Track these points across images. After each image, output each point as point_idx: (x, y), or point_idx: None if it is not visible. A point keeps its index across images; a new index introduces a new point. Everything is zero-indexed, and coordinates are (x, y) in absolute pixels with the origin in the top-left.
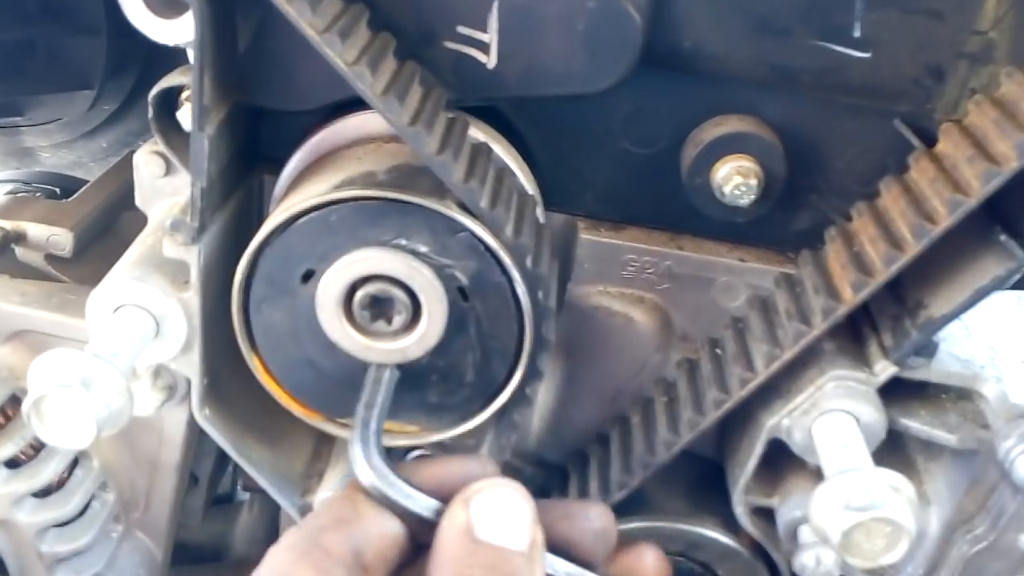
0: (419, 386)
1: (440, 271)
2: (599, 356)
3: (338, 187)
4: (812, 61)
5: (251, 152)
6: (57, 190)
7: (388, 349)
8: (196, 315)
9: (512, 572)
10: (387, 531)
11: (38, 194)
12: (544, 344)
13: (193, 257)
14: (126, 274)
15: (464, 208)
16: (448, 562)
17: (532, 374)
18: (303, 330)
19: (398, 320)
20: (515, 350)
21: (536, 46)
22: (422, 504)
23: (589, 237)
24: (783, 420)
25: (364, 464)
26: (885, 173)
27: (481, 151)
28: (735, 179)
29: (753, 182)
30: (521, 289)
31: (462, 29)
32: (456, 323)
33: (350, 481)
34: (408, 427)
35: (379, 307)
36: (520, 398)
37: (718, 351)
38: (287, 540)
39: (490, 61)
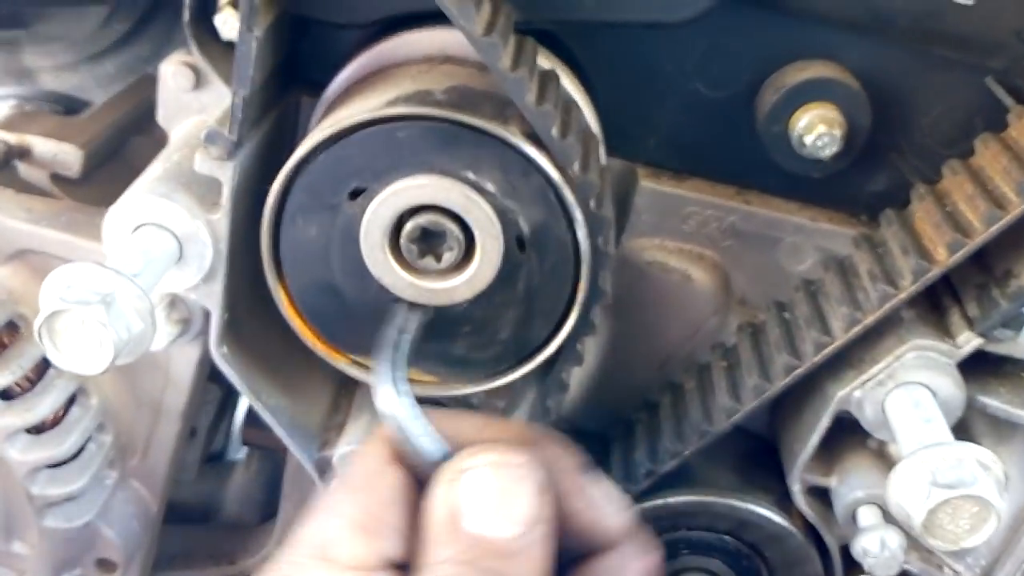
0: (453, 332)
1: (498, 207)
2: (651, 317)
3: (392, 103)
4: (912, 3)
5: (290, 71)
6: (61, 110)
7: (434, 289)
8: (223, 239)
9: (498, 569)
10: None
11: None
12: (600, 295)
13: (227, 174)
14: (150, 190)
15: (528, 137)
16: (430, 544)
17: (584, 328)
18: (336, 258)
19: (448, 257)
20: (567, 301)
21: None
22: (437, 448)
23: (650, 185)
24: (854, 392)
25: (390, 388)
26: (971, 134)
27: (551, 77)
28: (819, 128)
29: (837, 132)
30: (582, 232)
31: None
32: (508, 268)
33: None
34: (427, 377)
35: (428, 242)
36: (570, 354)
37: (787, 315)
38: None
39: None
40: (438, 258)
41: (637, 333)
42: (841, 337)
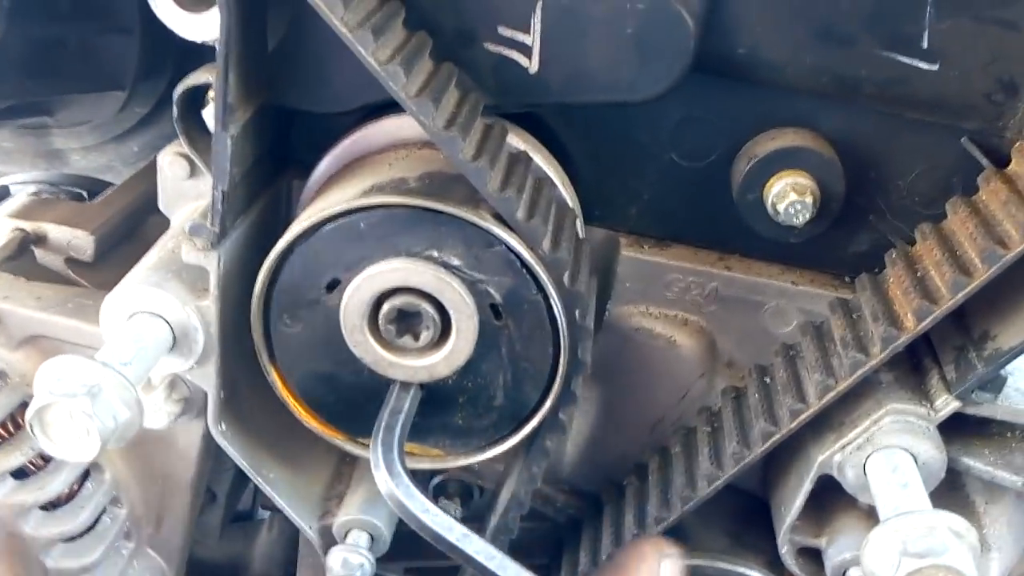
0: (445, 408)
1: (472, 286)
2: (639, 381)
3: (367, 193)
4: (876, 72)
5: (279, 155)
6: (84, 193)
7: (414, 366)
8: (214, 324)
9: None
10: None
11: (62, 196)
12: (580, 367)
13: (212, 263)
14: (142, 279)
15: (499, 219)
16: None
17: (566, 399)
18: (325, 343)
19: (425, 336)
20: (549, 373)
21: (581, 50)
22: (438, 520)
23: (631, 255)
24: (835, 455)
25: (384, 471)
26: (950, 194)
27: (519, 160)
28: (790, 196)
29: (809, 200)
30: (557, 307)
31: (503, 30)
32: (487, 342)
33: None
34: (432, 450)
35: (406, 322)
36: (553, 424)
37: (767, 380)
38: None
39: (532, 65)
40: (416, 337)
41: (627, 397)
42: (815, 404)
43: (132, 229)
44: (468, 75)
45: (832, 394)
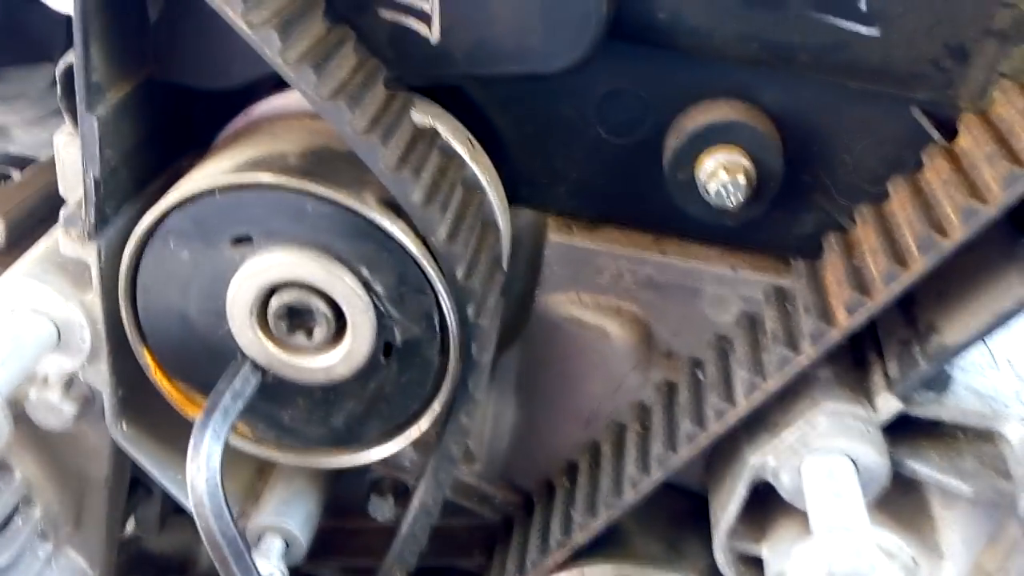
0: (331, 404)
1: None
2: (570, 373)
3: (240, 168)
4: (811, 37)
5: (177, 134)
6: (16, 173)
7: (310, 367)
8: (100, 320)
9: None
10: None
11: None
12: (474, 367)
13: (92, 255)
14: (24, 271)
15: (388, 206)
16: None
17: (462, 400)
18: (197, 322)
19: (319, 333)
20: (437, 373)
21: (484, 17)
22: (227, 531)
23: (559, 239)
24: (768, 458)
25: (202, 459)
26: (901, 170)
27: (423, 136)
28: (720, 176)
29: (742, 180)
30: (447, 305)
31: None
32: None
33: None
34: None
35: (298, 318)
36: (455, 427)
37: (699, 375)
38: None
39: (433, 34)
40: (309, 334)
41: (559, 390)
42: (743, 404)
43: (51, 212)
44: (365, 44)
45: (759, 393)
